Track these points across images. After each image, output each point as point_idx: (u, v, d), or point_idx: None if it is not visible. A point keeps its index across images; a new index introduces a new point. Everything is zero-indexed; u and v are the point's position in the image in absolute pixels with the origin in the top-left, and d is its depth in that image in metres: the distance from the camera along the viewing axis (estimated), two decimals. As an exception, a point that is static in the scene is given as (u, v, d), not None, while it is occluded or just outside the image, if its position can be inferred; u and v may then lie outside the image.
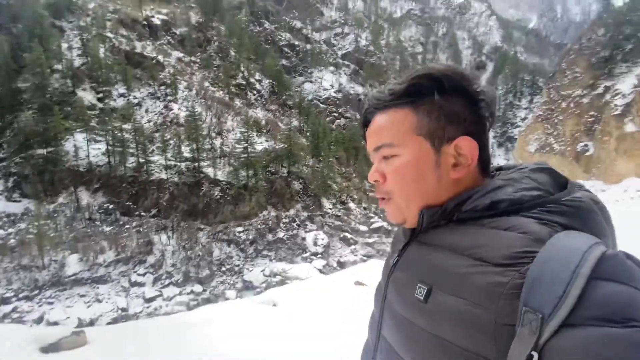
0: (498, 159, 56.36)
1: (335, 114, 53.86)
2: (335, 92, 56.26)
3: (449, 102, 0.55)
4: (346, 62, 61.99)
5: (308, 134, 42.05)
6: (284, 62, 55.25)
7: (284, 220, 29.93)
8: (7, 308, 19.21)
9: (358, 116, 49.74)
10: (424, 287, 0.49)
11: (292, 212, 31.05)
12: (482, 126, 0.57)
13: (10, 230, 24.81)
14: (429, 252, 0.53)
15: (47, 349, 6.36)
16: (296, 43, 60.24)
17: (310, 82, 57.33)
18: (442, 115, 0.54)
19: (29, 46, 32.75)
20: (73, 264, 21.65)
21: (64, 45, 34.93)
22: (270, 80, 48.15)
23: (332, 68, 59.60)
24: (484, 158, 0.57)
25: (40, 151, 27.90)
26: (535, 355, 0.35)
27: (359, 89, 58.24)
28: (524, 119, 56.10)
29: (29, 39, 33.65)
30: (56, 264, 21.60)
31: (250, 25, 56.82)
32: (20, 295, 20.11)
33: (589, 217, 0.48)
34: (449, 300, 0.46)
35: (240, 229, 27.24)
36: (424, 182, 0.55)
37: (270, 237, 27.62)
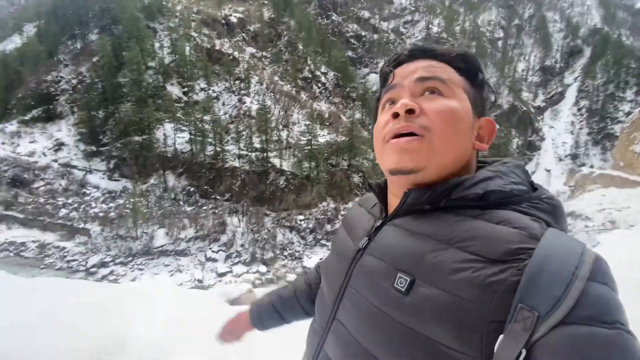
0: (593, 159, 48.93)
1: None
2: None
3: (485, 86, 0.59)
4: None
5: (370, 127, 41.51)
6: (349, 53, 55.01)
7: (342, 212, 30.30)
8: (105, 270, 22.81)
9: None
10: (405, 277, 0.46)
11: (350, 204, 31.25)
12: (488, 113, 0.60)
13: (110, 204, 29.36)
14: (412, 239, 0.49)
15: (232, 302, 7.58)
16: (363, 33, 59.36)
17: (376, 73, 56.16)
18: (479, 92, 0.57)
19: (128, 45, 37.75)
20: (160, 237, 24.89)
21: (156, 45, 39.49)
22: (335, 73, 48.40)
23: (403, 57, 57.54)
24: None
25: (137, 138, 32.22)
26: (524, 352, 0.35)
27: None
28: (628, 114, 47.62)
29: (127, 39, 38.84)
30: (147, 236, 25.00)
31: (318, 18, 57.53)
32: (117, 261, 23.76)
33: (561, 217, 0.49)
34: (435, 293, 0.43)
35: (301, 217, 28.37)
36: (462, 135, 0.53)
37: (328, 227, 28.27)
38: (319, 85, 46.55)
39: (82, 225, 25.96)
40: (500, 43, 70.14)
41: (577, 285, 0.36)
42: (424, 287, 0.44)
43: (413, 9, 69.30)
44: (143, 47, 36.70)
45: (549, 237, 0.42)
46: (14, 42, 55.49)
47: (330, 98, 46.03)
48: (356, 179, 33.64)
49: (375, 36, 59.49)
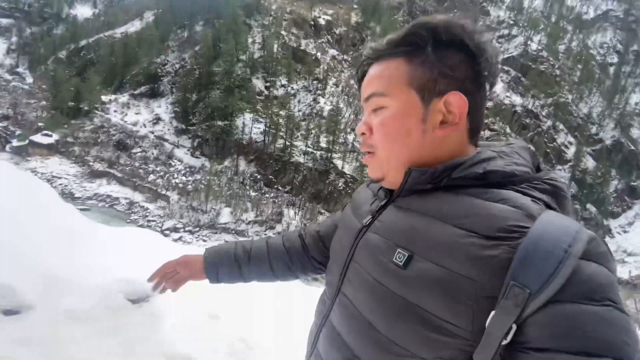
0: None
1: (479, 125, 48.94)
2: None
3: (446, 54, 0.51)
4: (506, 68, 54.87)
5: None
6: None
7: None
8: (176, 235, 25.75)
9: (508, 129, 43.85)
10: (404, 252, 0.48)
11: (360, 186, 30.70)
12: (479, 85, 0.52)
13: (189, 178, 33.01)
14: (412, 217, 0.51)
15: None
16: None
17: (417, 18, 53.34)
18: (435, 67, 0.51)
19: (225, 38, 41.72)
20: (225, 215, 27.37)
21: (250, 40, 42.94)
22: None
23: (486, 74, 53.94)
24: (475, 121, 0.53)
25: (220, 123, 35.63)
26: (514, 327, 0.37)
27: (517, 99, 50.74)
28: None
29: (225, 32, 42.89)
30: (214, 212, 27.67)
31: (404, 25, 56.61)
32: (186, 229, 26.72)
33: (563, 199, 0.49)
34: (431, 268, 0.45)
35: (355, 222, 28.64)
36: (408, 137, 0.53)
37: (381, 238, 28.10)
38: (395, 93, 46.16)
39: (164, 192, 29.72)
40: (612, 69, 61.19)
41: (568, 264, 0.37)
42: (421, 262, 0.46)
43: (512, 22, 64.02)
44: (238, 41, 40.17)
45: (546, 217, 0.42)
46: (134, 26, 65.13)
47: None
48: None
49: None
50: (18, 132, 38.94)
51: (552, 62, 57.32)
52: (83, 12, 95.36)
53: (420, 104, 0.52)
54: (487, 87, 0.53)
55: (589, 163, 44.97)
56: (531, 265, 0.38)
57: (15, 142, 35.82)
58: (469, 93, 0.51)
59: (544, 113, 47.90)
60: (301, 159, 31.80)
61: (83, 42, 64.90)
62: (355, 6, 51.29)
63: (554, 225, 0.40)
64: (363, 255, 0.55)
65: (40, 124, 38.83)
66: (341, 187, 30.34)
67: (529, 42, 58.86)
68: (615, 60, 61.37)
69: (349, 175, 31.08)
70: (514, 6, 66.38)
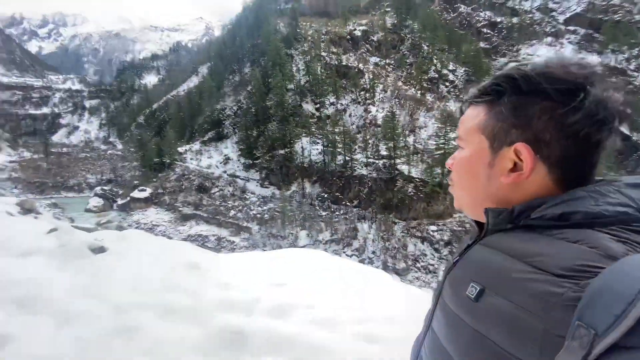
0: None
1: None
2: (552, 69, 45.65)
3: (523, 104, 0.51)
4: (572, 28, 48.79)
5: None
6: (482, 44, 49.80)
7: (481, 222, 27.71)
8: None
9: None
10: (476, 286, 0.50)
11: None
12: (567, 134, 0.49)
13: (264, 208, 35.23)
14: (488, 254, 0.53)
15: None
16: (498, 20, 52.71)
17: (516, 61, 48.85)
18: (510, 117, 0.52)
19: (272, 73, 44.56)
20: (303, 238, 28.51)
21: (294, 68, 45.25)
22: (466, 68, 44.72)
23: (549, 39, 48.42)
24: (564, 171, 0.51)
25: (281, 151, 37.72)
26: None
27: (594, 59, 44.59)
28: None
29: (271, 67, 45.87)
30: (292, 236, 29.00)
31: (443, 13, 54.39)
32: (270, 256, 28.27)
33: None
34: (500, 303, 0.45)
35: (433, 227, 27.41)
36: (475, 179, 0.57)
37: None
38: (447, 84, 43.96)
39: (245, 224, 32.16)
40: None
41: (639, 305, 0.35)
42: (492, 296, 0.47)
43: (567, -23, 57.27)
44: (284, 72, 42.62)
45: (630, 258, 0.39)
46: (193, 82, 73.32)
47: (461, 96, 42.81)
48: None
49: (515, 19, 51.93)
50: (120, 192, 46.00)
51: (628, 8, 49.45)
52: (151, 80, 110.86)
53: (488, 151, 0.55)
54: (593, 134, 0.49)
55: None
56: (598, 304, 0.36)
57: (119, 201, 42.34)
58: (549, 142, 0.50)
59: (631, 67, 41.20)
60: (364, 171, 31.88)
61: (155, 106, 74.98)
62: (387, 9, 50.98)
63: (632, 265, 0.38)
64: (447, 289, 0.59)
65: (135, 181, 45.35)
66: (411, 193, 29.50)
67: (592, -8, 51.80)
68: None
69: (417, 179, 30.14)
70: (566, -42, 59.48)
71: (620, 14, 47.29)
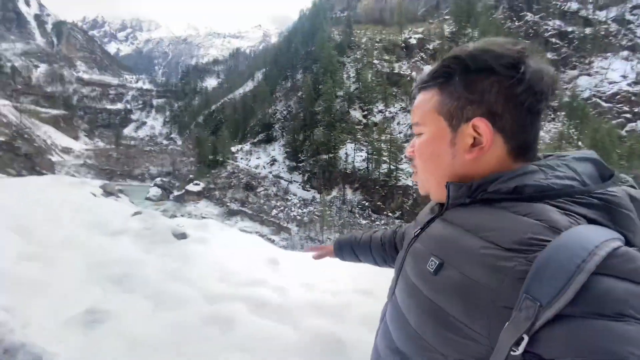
0: None
1: (629, 115, 39.16)
2: (629, 84, 40.84)
3: (473, 81, 0.53)
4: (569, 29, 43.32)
5: (580, 142, 33.31)
6: (550, 55, 46.17)
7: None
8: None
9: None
10: (436, 260, 0.52)
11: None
12: (515, 106, 0.52)
13: (304, 210, 35.97)
14: (448, 228, 0.55)
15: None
16: (569, 29, 48.53)
17: (588, 74, 44.60)
18: (463, 95, 0.54)
19: (323, 79, 45.53)
20: (340, 244, 28.61)
21: (344, 76, 45.83)
22: (528, 80, 41.82)
23: (625, 53, 43.48)
24: (516, 140, 0.54)
25: (325, 156, 38.32)
26: (526, 338, 0.38)
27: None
28: None
29: (323, 74, 46.89)
30: (330, 241, 29.19)
31: (507, 22, 51.46)
32: (308, 258, 28.76)
33: (618, 213, 0.46)
34: (456, 275, 0.48)
35: (478, 245, 25.98)
36: (438, 160, 0.58)
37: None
38: (505, 97, 41.50)
39: (285, 224, 33.14)
40: None
41: (579, 279, 0.37)
42: (449, 270, 0.50)
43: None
44: (335, 79, 43.34)
45: (573, 230, 0.42)
46: (249, 86, 77.47)
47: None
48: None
49: (588, 30, 47.44)
50: (177, 184, 49.96)
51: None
52: (211, 83, 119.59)
53: (447, 129, 0.57)
54: (533, 103, 0.52)
55: None
56: (543, 278, 0.39)
57: (175, 192, 45.99)
58: (501, 114, 0.52)
59: None
60: (409, 182, 31.20)
61: (213, 107, 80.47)
62: (446, 17, 49.56)
63: (574, 239, 0.41)
64: (409, 261, 0.62)
65: (191, 175, 48.94)
66: (456, 207, 28.27)
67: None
68: None
69: (463, 194, 28.83)
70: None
71: None
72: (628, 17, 48.72)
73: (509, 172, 0.52)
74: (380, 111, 40.08)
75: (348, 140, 37.59)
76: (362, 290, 2.71)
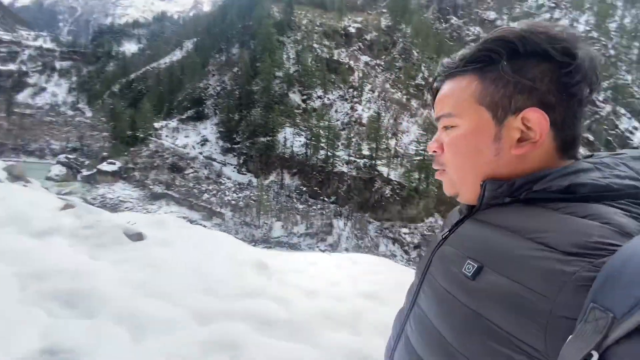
0: None
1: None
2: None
3: (524, 67, 0.48)
4: None
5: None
6: (468, 59, 51.41)
7: (451, 229, 28.84)
8: (234, 250, 27.14)
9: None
10: (473, 264, 0.47)
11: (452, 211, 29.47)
12: (569, 96, 0.48)
13: (240, 195, 34.53)
14: (486, 230, 0.49)
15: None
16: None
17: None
18: (511, 82, 0.48)
19: (261, 58, 43.46)
20: (277, 229, 28.26)
21: (284, 56, 44.41)
22: (451, 80, 46.06)
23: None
24: (565, 134, 0.49)
25: (262, 139, 37.02)
26: (596, 355, 0.32)
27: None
28: None
29: (261, 52, 44.73)
30: (266, 226, 28.69)
31: (435, 22, 55.42)
32: (242, 243, 27.89)
33: None
34: (501, 281, 0.42)
35: (405, 230, 28.14)
36: (479, 157, 0.52)
37: (434, 245, 27.33)
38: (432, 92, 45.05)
39: (218, 209, 31.38)
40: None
41: None
42: (491, 274, 0.44)
43: (553, 5, 60.13)
44: (274, 58, 41.71)
45: None
46: (176, 56, 70.06)
47: (443, 107, 44.09)
48: (467, 195, 31.59)
49: (501, 39, 54.05)
50: (86, 162, 43.35)
51: (604, 42, 52.81)
52: (130, 48, 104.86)
53: (491, 122, 0.50)
54: (584, 94, 0.48)
55: (660, 148, 40.66)
56: (617, 287, 0.34)
57: (85, 172, 39.89)
58: (554, 106, 0.47)
59: (600, 98, 44.16)
60: (344, 169, 32.05)
61: (132, 76, 71.00)
62: (383, 10, 51.17)
63: None
64: (437, 265, 0.55)
65: (104, 153, 42.89)
66: (388, 195, 30.06)
67: (574, 24, 54.81)
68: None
69: (395, 182, 30.73)
70: (554, -13, 62.40)
71: (596, 47, 50.29)
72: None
73: (559, 169, 0.47)
74: (319, 97, 40.02)
75: (287, 124, 36.85)
76: (366, 294, 2.53)
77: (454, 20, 56.88)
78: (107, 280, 2.04)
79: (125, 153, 40.27)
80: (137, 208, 32.28)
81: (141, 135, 42.51)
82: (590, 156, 0.51)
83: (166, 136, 44.48)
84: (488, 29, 57.60)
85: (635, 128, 42.64)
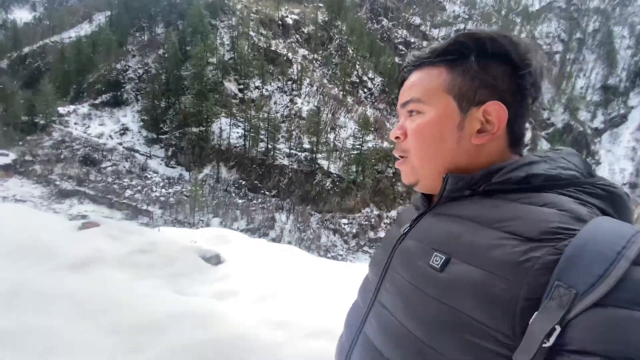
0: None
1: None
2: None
3: (489, 65, 0.52)
4: None
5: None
6: (397, 60, 54.82)
7: (385, 220, 30.62)
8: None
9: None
10: (441, 256, 0.48)
11: (393, 213, 31.51)
12: (521, 97, 0.53)
13: (169, 190, 31.57)
14: (449, 222, 0.51)
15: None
16: (412, 40, 58.83)
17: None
18: (477, 77, 0.52)
19: (192, 40, 40.03)
20: (215, 225, 26.58)
21: (218, 42, 41.61)
22: (382, 79, 48.55)
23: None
24: (515, 132, 0.54)
25: (194, 129, 34.30)
26: (558, 328, 0.35)
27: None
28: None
29: (192, 34, 41.20)
30: (203, 223, 26.79)
31: (368, 22, 57.74)
32: (174, 243, 25.66)
33: (621, 205, 0.47)
34: (470, 271, 0.44)
35: (345, 220, 29.04)
36: (442, 144, 0.54)
37: (371, 234, 28.74)
38: (365, 90, 46.94)
39: (144, 207, 28.24)
40: (558, 57, 66.75)
41: (620, 265, 0.35)
42: (459, 264, 0.45)
43: (467, 17, 67.56)
44: (206, 43, 38.80)
45: (599, 220, 0.41)
46: (84, 30, 60.38)
47: (376, 104, 46.30)
48: (401, 187, 33.86)
49: (425, 43, 58.81)
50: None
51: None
52: (21, 16, 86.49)
53: (457, 111, 0.53)
54: (530, 100, 0.53)
55: (544, 146, 49.01)
56: (579, 265, 0.37)
57: (-39, 165, 32.14)
58: (510, 104, 0.52)
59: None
60: (285, 162, 31.63)
61: (26, 49, 59.12)
62: (320, 5, 51.40)
63: (606, 228, 0.39)
64: (399, 260, 0.55)
65: (-10, 142, 35.11)
66: (329, 187, 30.61)
67: (484, 35, 62.53)
68: (561, 48, 66.98)
69: (335, 175, 31.41)
70: (468, 1, 70.10)
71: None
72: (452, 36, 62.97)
73: (514, 162, 0.50)
74: (257, 87, 38.60)
75: (223, 114, 34.77)
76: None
77: (385, 22, 59.98)
78: (247, 326, 1.52)
79: (21, 143, 33.57)
80: (40, 208, 27.23)
81: (41, 122, 35.86)
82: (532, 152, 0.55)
83: (75, 124, 38.30)
84: (413, 33, 61.99)
85: (525, 128, 50.61)
